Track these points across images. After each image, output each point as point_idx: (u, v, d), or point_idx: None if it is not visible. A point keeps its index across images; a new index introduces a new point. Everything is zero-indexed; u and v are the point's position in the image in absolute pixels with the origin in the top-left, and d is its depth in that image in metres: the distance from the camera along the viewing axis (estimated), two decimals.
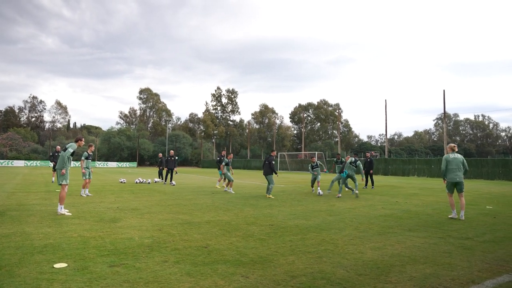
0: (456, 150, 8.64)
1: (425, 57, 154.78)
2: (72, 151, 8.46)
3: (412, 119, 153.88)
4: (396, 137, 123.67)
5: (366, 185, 18.07)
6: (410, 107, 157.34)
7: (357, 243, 5.76)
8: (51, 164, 19.15)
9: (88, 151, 12.48)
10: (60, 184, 8.34)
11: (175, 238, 5.95)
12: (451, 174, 8.37)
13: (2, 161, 58.04)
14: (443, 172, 8.45)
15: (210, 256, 4.85)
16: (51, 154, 18.95)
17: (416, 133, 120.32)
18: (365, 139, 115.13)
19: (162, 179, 20.56)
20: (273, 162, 12.84)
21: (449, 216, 8.44)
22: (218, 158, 17.65)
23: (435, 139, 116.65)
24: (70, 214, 8.12)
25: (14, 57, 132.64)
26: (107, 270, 4.19)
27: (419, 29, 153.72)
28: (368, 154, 18.88)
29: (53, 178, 19.06)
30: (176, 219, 7.79)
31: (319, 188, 13.86)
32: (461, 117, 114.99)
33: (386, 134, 46.48)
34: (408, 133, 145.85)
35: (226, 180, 14.91)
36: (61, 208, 8.19)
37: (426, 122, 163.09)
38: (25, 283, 3.71)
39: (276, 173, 12.84)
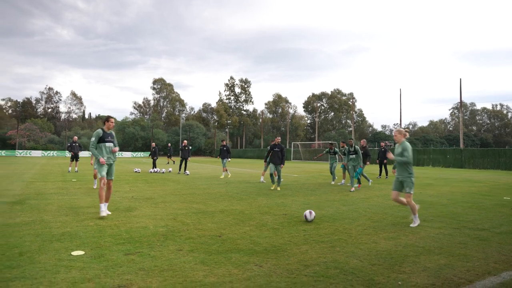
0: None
1: (441, 46, 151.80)
2: (94, 139, 6.98)
3: (427, 108, 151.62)
4: (410, 126, 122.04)
5: (380, 175, 17.95)
6: (425, 96, 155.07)
7: (371, 233, 5.74)
8: (68, 154, 19.56)
9: None
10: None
11: (189, 227, 6.02)
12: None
13: (21, 151, 59.26)
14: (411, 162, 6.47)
15: (224, 245, 4.89)
16: (68, 144, 19.36)
17: (431, 122, 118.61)
18: (379, 128, 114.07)
19: (155, 168, 20.99)
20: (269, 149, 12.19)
21: None
22: (221, 148, 17.62)
23: (450, 128, 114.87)
24: (110, 213, 6.99)
25: (31, 50, 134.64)
26: (123, 258, 4.27)
27: (435, 17, 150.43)
28: (382, 144, 18.68)
29: (70, 168, 19.47)
30: (190, 208, 7.87)
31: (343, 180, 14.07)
32: (478, 106, 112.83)
33: (400, 124, 45.91)
34: (423, 122, 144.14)
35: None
36: (104, 205, 6.83)
37: (441, 112, 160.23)
38: (45, 269, 3.81)
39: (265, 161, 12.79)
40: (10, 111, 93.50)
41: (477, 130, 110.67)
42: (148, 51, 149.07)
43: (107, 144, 7.04)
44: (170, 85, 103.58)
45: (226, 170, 17.59)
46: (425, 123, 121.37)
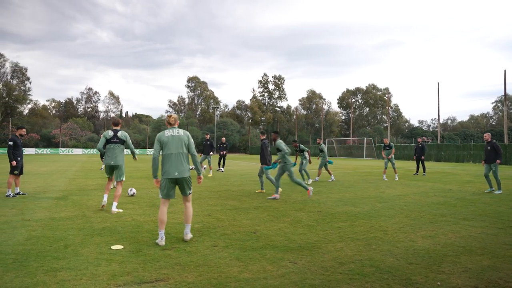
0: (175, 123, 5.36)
1: (481, 36, 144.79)
2: (104, 139, 7.36)
3: (468, 102, 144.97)
4: (449, 121, 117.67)
5: (417, 171, 17.45)
6: (465, 90, 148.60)
7: (408, 231, 5.60)
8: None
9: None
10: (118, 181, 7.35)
11: (224, 223, 6.09)
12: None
13: (63, 149, 61.91)
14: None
15: (259, 242, 4.92)
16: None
17: (471, 117, 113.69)
18: (416, 124, 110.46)
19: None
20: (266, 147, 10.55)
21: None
22: (204, 142, 16.37)
23: (493, 123, 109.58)
24: (121, 210, 7.07)
25: (74, 52, 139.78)
26: (160, 253, 4.39)
27: (472, 6, 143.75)
28: (419, 140, 18.15)
29: (102, 166, 20.30)
30: (225, 205, 7.96)
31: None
32: None
33: (438, 119, 44.39)
34: (463, 117, 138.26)
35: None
36: (114, 205, 7.04)
37: (483, 106, 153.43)
38: (87, 262, 3.98)
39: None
40: (54, 111, 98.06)
41: None
42: (183, 50, 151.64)
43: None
44: (204, 83, 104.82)
45: (205, 168, 16.62)
46: (465, 118, 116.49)
